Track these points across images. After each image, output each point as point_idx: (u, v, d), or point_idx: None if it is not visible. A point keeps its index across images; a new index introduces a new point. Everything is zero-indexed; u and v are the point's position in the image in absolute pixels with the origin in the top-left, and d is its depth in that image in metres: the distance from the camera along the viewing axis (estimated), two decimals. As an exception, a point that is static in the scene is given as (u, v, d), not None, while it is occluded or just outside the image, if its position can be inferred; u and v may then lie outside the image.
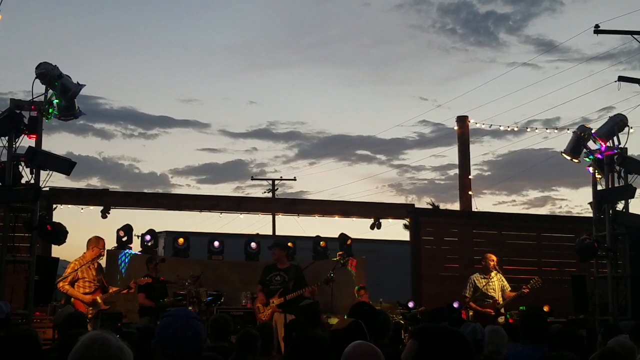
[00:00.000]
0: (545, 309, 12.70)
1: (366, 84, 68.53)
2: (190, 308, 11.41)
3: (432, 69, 68.69)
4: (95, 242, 11.03)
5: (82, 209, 14.02)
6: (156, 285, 11.46)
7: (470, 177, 21.04)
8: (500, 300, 12.18)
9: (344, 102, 69.98)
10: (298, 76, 69.39)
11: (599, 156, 11.70)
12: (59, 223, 9.77)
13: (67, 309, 8.45)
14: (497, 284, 12.24)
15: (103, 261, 11.97)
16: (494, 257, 12.39)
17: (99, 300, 10.68)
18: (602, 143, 11.65)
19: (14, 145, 9.37)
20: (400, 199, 64.61)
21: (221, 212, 15.59)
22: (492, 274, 12.28)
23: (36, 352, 3.81)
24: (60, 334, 6.78)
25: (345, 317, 6.16)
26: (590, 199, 12.11)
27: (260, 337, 6.29)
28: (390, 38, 68.72)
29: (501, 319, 11.76)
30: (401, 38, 69.92)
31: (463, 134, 21.05)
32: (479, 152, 52.61)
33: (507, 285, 12.35)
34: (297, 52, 71.10)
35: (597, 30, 16.30)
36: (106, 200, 13.95)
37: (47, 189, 10.63)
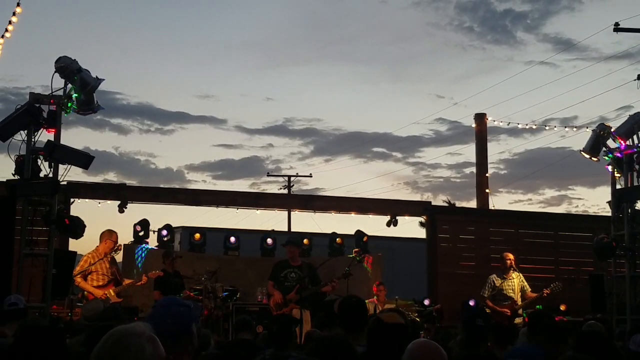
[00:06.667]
0: (562, 307, 12.65)
1: (383, 81, 68.55)
2: (205, 310, 11.48)
3: (449, 66, 68.56)
4: (109, 235, 11.08)
5: (99, 203, 14.09)
6: (172, 279, 11.49)
7: (487, 175, 20.95)
8: (519, 301, 12.11)
9: (361, 99, 69.96)
10: (315, 73, 69.49)
11: (618, 155, 11.60)
12: (77, 217, 9.79)
13: (97, 302, 8.49)
14: (516, 284, 12.14)
15: (120, 255, 12.04)
16: (511, 256, 12.31)
17: (111, 293, 10.73)
18: (622, 141, 11.55)
19: (32, 139, 9.41)
20: (416, 197, 64.58)
21: (238, 208, 15.63)
22: (513, 274, 12.19)
23: (61, 346, 3.79)
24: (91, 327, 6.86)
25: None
26: (608, 198, 12.01)
27: (277, 330, 6.29)
28: (408, 36, 68.67)
29: (518, 320, 11.70)
30: (418, 36, 69.87)
31: (481, 132, 20.96)
32: (495, 151, 52.41)
33: (528, 286, 12.25)
34: (314, 49, 71.15)
35: (617, 29, 16.22)
36: (124, 194, 14.00)
37: (65, 183, 10.68)
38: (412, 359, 3.54)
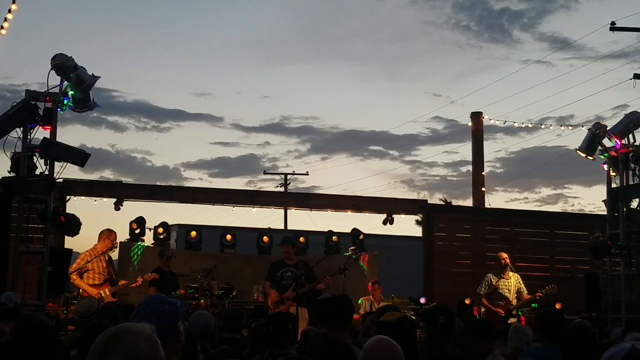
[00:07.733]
0: (558, 306, 12.64)
1: (380, 79, 68.46)
2: (202, 301, 11.48)
3: (446, 65, 68.55)
4: (108, 234, 11.07)
5: (95, 200, 14.09)
6: (168, 278, 11.48)
7: (483, 173, 20.96)
8: (515, 301, 12.08)
9: (358, 97, 69.88)
10: (312, 71, 69.41)
11: (614, 154, 11.65)
12: (73, 214, 9.79)
13: (90, 300, 8.46)
14: (513, 285, 12.08)
15: (115, 253, 12.03)
16: (505, 255, 12.26)
17: (107, 292, 10.72)
18: (618, 140, 11.59)
19: (28, 137, 9.40)
20: (412, 195, 64.51)
21: (235, 206, 15.64)
22: (510, 274, 12.15)
23: (56, 346, 3.77)
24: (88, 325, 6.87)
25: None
26: (604, 197, 12.06)
27: (274, 329, 6.26)
28: (405, 34, 68.56)
29: (512, 320, 11.68)
30: (415, 34, 69.80)
31: (477, 130, 20.98)
32: (491, 149, 52.38)
33: (525, 289, 12.11)
34: (311, 48, 71.10)
35: (613, 28, 16.25)
36: (120, 192, 14.00)
37: (61, 180, 10.66)
38: (368, 356, 3.54)
